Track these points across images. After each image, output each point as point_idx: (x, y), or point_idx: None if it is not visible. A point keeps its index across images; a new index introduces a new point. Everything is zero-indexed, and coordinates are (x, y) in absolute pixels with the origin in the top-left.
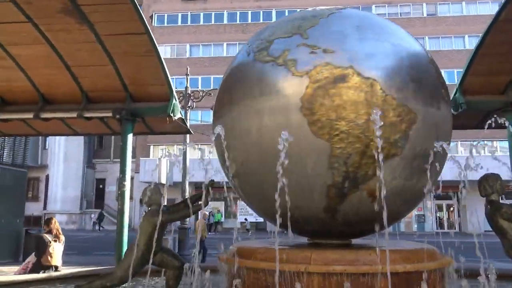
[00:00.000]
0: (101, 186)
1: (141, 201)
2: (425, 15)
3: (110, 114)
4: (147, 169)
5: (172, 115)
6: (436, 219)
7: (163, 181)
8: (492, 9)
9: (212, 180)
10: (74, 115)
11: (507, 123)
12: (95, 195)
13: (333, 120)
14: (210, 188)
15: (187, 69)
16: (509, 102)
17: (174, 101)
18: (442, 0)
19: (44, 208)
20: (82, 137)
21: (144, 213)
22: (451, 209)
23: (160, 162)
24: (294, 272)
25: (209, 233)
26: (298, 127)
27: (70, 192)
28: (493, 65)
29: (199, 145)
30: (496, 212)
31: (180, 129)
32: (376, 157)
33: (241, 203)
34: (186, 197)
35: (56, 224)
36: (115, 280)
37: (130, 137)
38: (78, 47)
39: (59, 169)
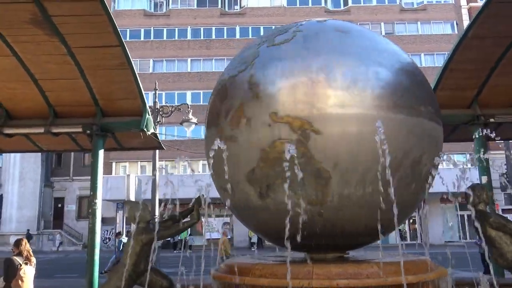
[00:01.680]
0: (59, 205)
1: (128, 218)
2: (383, 33)
3: (80, 130)
4: (109, 186)
5: (145, 130)
6: (397, 231)
7: (132, 198)
8: (444, 29)
9: (201, 195)
10: (41, 130)
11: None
12: (53, 214)
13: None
14: (200, 203)
15: (155, 83)
16: (476, 115)
17: (147, 115)
18: (399, 20)
19: None
20: (39, 155)
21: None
22: (412, 221)
23: (129, 179)
24: (297, 287)
25: (174, 251)
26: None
27: (26, 212)
28: (460, 80)
29: (188, 160)
30: (485, 222)
31: (152, 144)
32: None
33: (206, 220)
34: (174, 214)
35: (26, 246)
36: None
37: (101, 153)
38: (47, 59)
39: (14, 188)
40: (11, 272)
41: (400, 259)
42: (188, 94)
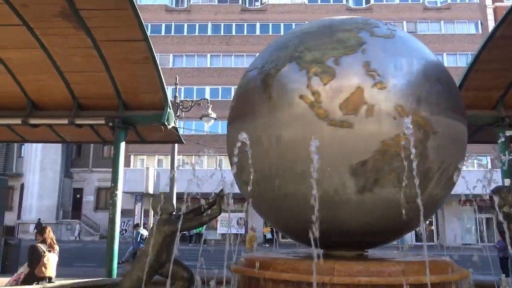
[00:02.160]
0: (78, 196)
1: (152, 209)
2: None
3: (102, 122)
4: (127, 178)
5: (166, 123)
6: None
7: (150, 190)
8: (468, 29)
9: (222, 189)
10: (65, 121)
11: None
12: (72, 205)
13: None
14: (222, 197)
15: (176, 78)
16: (500, 117)
17: (169, 109)
18: (422, 19)
19: (18, 217)
20: (59, 146)
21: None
22: (428, 222)
23: (148, 172)
24: (318, 283)
25: (190, 244)
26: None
27: (46, 202)
28: (485, 81)
29: (216, 154)
30: (511, 224)
31: (172, 138)
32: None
33: (221, 215)
34: (197, 206)
35: (50, 234)
36: None
37: (122, 145)
38: (73, 52)
39: (35, 178)
40: (35, 259)
41: (421, 259)
42: (207, 89)
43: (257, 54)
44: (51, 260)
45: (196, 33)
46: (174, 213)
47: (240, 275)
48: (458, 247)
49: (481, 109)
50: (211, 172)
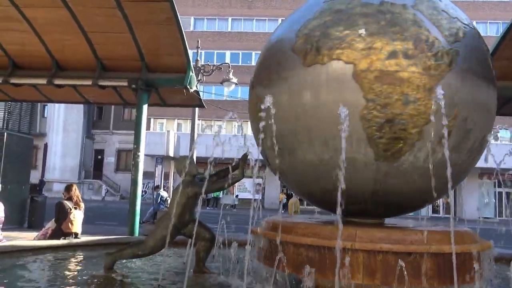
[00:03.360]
0: (99, 157)
1: (177, 171)
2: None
3: (125, 84)
4: (148, 141)
5: (189, 87)
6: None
7: (171, 153)
8: None
9: (246, 153)
10: (89, 82)
11: None
12: (93, 165)
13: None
14: (244, 161)
15: (198, 42)
16: None
17: (191, 73)
18: None
19: (42, 176)
20: (81, 107)
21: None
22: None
23: (169, 135)
24: (339, 248)
25: (207, 208)
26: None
27: (68, 162)
28: None
29: (239, 120)
30: None
31: (193, 102)
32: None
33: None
34: (220, 169)
35: (76, 192)
36: (147, 249)
37: (145, 107)
38: (97, 12)
39: (58, 138)
40: (62, 215)
41: (443, 228)
42: (227, 54)
43: (283, 18)
44: (77, 217)
45: None
46: (197, 175)
47: (261, 238)
48: (475, 220)
49: (511, 80)
50: (232, 137)
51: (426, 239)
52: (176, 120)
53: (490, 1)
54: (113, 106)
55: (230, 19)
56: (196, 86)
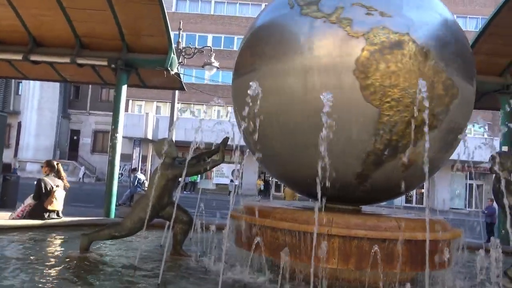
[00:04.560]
0: (75, 137)
1: (156, 153)
2: None
3: (105, 63)
4: (125, 123)
5: (170, 69)
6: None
7: (149, 136)
8: None
9: (227, 137)
10: (67, 60)
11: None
12: (69, 146)
13: (386, 86)
14: (225, 145)
15: (180, 23)
16: (506, 84)
17: (172, 54)
18: None
19: (15, 155)
20: (57, 86)
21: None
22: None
23: (147, 117)
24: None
25: (184, 192)
26: (349, 90)
27: (43, 141)
28: (497, 46)
29: (224, 105)
30: (507, 190)
31: (174, 85)
32: (421, 127)
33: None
34: (200, 152)
35: (63, 173)
36: (124, 230)
37: (124, 88)
38: None
39: (32, 117)
40: (44, 192)
41: (416, 216)
42: (210, 37)
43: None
44: (59, 195)
45: None
46: (177, 158)
47: (239, 221)
48: (446, 210)
49: (487, 75)
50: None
51: (400, 226)
52: (155, 102)
53: None
54: (90, 86)
55: (213, 1)
56: (177, 69)
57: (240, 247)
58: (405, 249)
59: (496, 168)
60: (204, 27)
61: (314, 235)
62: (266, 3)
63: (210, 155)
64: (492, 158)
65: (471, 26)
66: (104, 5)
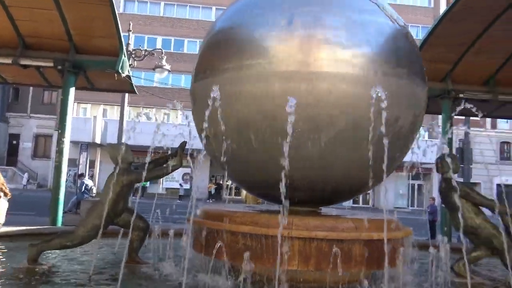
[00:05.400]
0: (14, 142)
1: (111, 158)
2: None
3: (51, 64)
4: (71, 127)
5: (120, 71)
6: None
7: (97, 140)
8: (422, 2)
9: (185, 142)
10: (8, 61)
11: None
12: (7, 151)
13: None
14: (183, 149)
15: (129, 24)
16: (447, 89)
17: (123, 57)
18: None
19: None
20: None
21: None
22: None
23: (95, 121)
24: (276, 236)
25: (133, 197)
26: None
27: None
28: (438, 54)
29: (181, 107)
30: (452, 189)
31: (124, 87)
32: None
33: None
34: (156, 158)
35: (1, 179)
36: (76, 239)
37: (72, 90)
38: None
39: None
40: None
41: (371, 217)
42: (159, 39)
43: (218, 7)
44: (1, 206)
45: None
46: (133, 163)
47: (198, 226)
48: (391, 210)
49: (430, 81)
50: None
51: (357, 227)
52: (101, 105)
53: (412, 5)
54: (31, 88)
55: (162, 3)
56: (128, 71)
57: (199, 252)
58: (362, 249)
59: (441, 168)
60: (153, 29)
61: (279, 237)
62: (217, 7)
63: (167, 159)
64: (439, 159)
65: (412, 34)
66: (50, 4)
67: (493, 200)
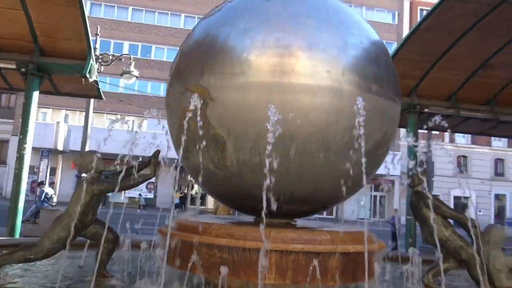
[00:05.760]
0: None
1: (81, 167)
2: None
3: (13, 66)
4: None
5: (88, 76)
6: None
7: (60, 147)
8: (386, 18)
9: (158, 151)
10: None
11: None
12: None
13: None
14: (156, 158)
15: (97, 28)
16: (413, 104)
17: (91, 61)
18: (346, 2)
19: None
20: None
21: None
22: None
23: (58, 126)
24: (253, 249)
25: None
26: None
27: None
28: (405, 69)
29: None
30: (422, 202)
31: (90, 93)
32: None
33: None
34: (129, 166)
35: None
36: (41, 252)
37: (36, 94)
38: None
39: None
40: None
41: (346, 229)
42: (126, 44)
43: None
44: None
45: None
46: (103, 172)
47: (172, 238)
48: (354, 221)
49: None
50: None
51: (334, 240)
52: (63, 110)
53: (377, 21)
54: None
55: (130, 8)
56: (96, 76)
57: (172, 265)
58: (338, 262)
59: (412, 182)
60: (120, 34)
61: (262, 250)
62: (186, 14)
63: (139, 168)
64: (410, 174)
65: None
66: (16, 4)
67: (463, 213)
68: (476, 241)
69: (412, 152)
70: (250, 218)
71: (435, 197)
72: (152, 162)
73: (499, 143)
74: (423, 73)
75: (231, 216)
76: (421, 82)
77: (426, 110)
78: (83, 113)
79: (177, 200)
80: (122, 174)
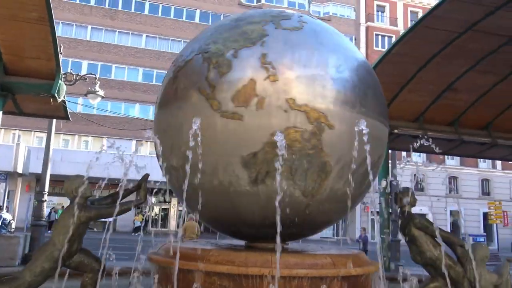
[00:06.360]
0: None
1: (67, 192)
2: None
3: None
4: None
5: (56, 96)
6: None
7: (19, 169)
8: None
9: (147, 174)
10: None
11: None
12: None
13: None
14: (146, 181)
15: (60, 47)
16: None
17: (60, 81)
18: None
19: None
20: None
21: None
22: None
23: (18, 148)
24: (257, 276)
25: (49, 231)
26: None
27: None
28: None
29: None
30: (410, 222)
31: (57, 113)
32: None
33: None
34: (115, 191)
35: None
36: (22, 285)
37: None
38: None
39: None
40: None
41: (344, 252)
42: (84, 63)
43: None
44: None
45: (77, 1)
46: (90, 197)
47: (165, 267)
48: (317, 239)
49: None
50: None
51: (335, 263)
52: (17, 130)
53: None
54: None
55: (89, 27)
56: (64, 96)
57: None
58: (340, 285)
59: (399, 202)
60: (78, 53)
61: (268, 277)
62: (147, 34)
63: (128, 193)
64: (396, 193)
65: None
66: None
67: (449, 233)
68: (462, 260)
69: (381, 174)
70: (238, 241)
71: (423, 217)
72: (142, 187)
73: (451, 162)
74: (393, 95)
75: (209, 240)
76: (390, 103)
77: (395, 131)
78: (38, 134)
79: (137, 223)
80: (109, 200)
